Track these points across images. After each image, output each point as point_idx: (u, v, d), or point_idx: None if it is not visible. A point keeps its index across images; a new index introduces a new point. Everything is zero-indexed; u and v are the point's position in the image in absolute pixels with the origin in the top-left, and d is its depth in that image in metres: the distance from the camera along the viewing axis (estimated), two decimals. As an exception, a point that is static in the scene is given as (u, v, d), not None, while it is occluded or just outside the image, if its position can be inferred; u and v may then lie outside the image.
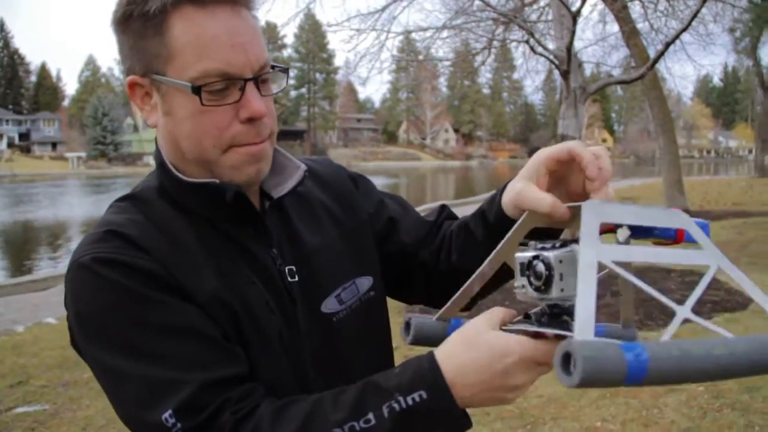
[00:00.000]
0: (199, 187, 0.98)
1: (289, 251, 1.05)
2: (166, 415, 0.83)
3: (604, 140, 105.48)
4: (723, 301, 6.61)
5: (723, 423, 3.74)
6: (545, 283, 0.80)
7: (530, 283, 0.82)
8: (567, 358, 0.63)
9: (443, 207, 1.26)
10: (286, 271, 1.03)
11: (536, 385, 4.40)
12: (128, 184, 42.35)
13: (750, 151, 76.01)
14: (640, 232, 0.82)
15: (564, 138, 7.50)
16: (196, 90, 0.91)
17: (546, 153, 0.95)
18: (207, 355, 0.89)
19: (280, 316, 1.00)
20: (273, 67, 0.98)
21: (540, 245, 0.83)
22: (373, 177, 1.35)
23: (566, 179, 0.96)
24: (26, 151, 77.22)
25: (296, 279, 1.04)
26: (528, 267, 0.82)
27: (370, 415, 0.82)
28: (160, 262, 0.91)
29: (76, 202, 28.56)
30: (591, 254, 0.70)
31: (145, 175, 1.08)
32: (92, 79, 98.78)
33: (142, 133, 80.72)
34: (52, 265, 12.71)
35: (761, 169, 29.60)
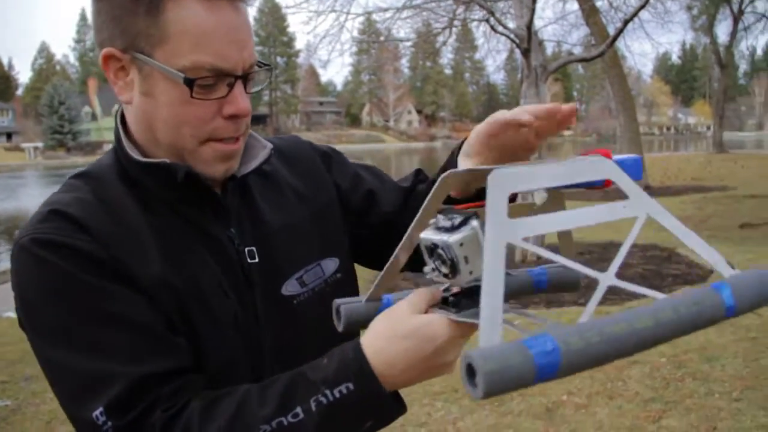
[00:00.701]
0: (152, 167, 0.95)
1: (249, 231, 1.03)
2: (97, 412, 0.82)
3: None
4: (684, 274, 6.74)
5: (685, 392, 3.83)
6: (452, 270, 0.77)
7: (438, 269, 0.79)
8: (471, 371, 0.57)
9: (419, 171, 1.24)
10: (246, 252, 1.00)
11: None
12: (88, 173, 41.56)
13: (708, 128, 77.54)
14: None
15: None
16: (189, 82, 0.88)
17: (480, 132, 0.98)
18: (142, 347, 0.86)
19: (235, 298, 0.98)
20: (260, 64, 0.97)
21: (442, 223, 0.79)
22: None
23: (512, 145, 0.97)
24: (-20, 142, 75.35)
25: (256, 260, 1.01)
26: (432, 253, 0.79)
27: (298, 410, 0.81)
28: (102, 244, 0.88)
29: (35, 194, 27.91)
30: (496, 237, 0.63)
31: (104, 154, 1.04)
32: (46, 66, 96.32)
33: (101, 121, 79.20)
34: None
35: (719, 145, 30.17)
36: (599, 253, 7.95)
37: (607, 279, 0.68)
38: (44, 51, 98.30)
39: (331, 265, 1.11)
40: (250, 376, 0.92)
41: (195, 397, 0.85)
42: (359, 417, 0.83)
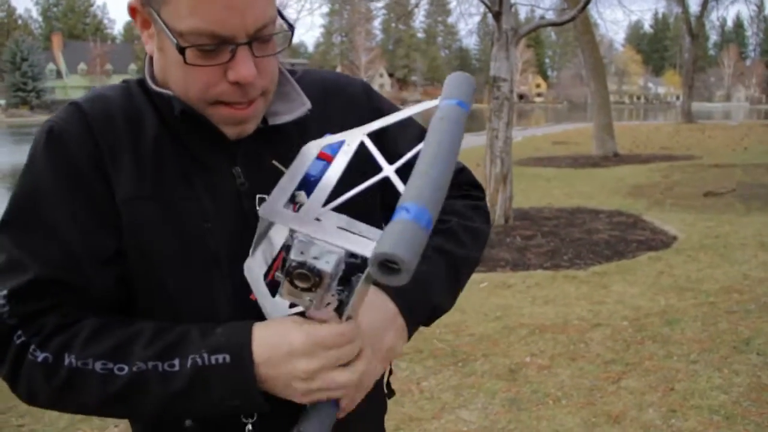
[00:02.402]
0: (159, 95, 0.95)
1: (267, 180, 0.95)
2: (1, 295, 0.87)
3: (537, 85, 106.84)
4: (648, 240, 6.84)
5: (644, 354, 3.90)
6: (319, 277, 0.78)
7: (303, 291, 0.80)
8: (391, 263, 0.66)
9: (461, 170, 1.19)
10: (257, 199, 0.96)
11: (467, 324, 4.51)
12: (52, 132, 40.58)
13: (677, 98, 78.26)
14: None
15: (495, 80, 7.50)
16: (181, 50, 0.85)
17: None
18: (66, 259, 0.89)
19: (221, 234, 0.94)
20: (281, 19, 0.93)
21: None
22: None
23: None
24: (-62, 98, 73.09)
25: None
26: (294, 285, 0.79)
27: (176, 362, 0.84)
28: (100, 145, 0.92)
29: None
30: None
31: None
32: (8, 20, 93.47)
33: (66, 79, 77.41)
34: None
35: (687, 114, 30.53)
36: (567, 219, 8.03)
37: (389, 170, 0.81)
38: (5, 4, 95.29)
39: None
40: (212, 318, 0.91)
41: (92, 317, 0.89)
42: (224, 391, 0.85)
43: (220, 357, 0.84)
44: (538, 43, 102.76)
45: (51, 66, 76.65)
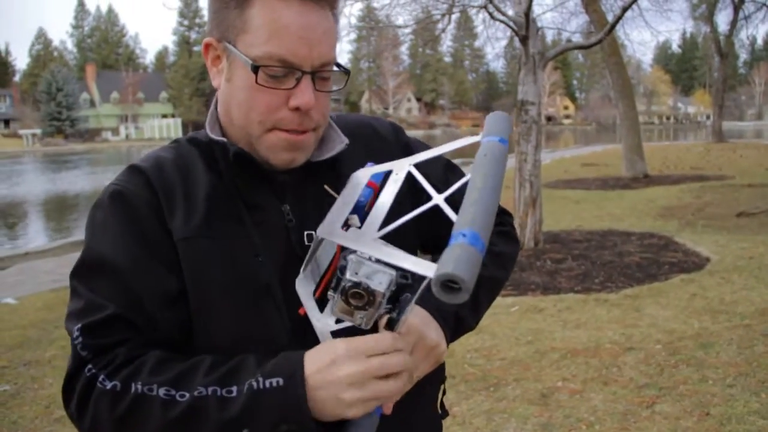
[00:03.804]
0: (214, 142, 1.06)
1: (312, 215, 1.04)
2: (76, 328, 0.97)
3: (566, 107, 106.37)
4: (680, 262, 6.76)
5: (678, 378, 3.85)
6: (371, 295, 0.85)
7: (358, 309, 0.86)
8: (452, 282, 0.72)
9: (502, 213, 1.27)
10: (305, 235, 1.04)
11: (498, 348, 4.49)
12: (86, 160, 41.48)
13: (708, 117, 77.35)
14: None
15: (523, 104, 7.52)
16: (255, 68, 0.97)
17: None
18: (134, 300, 0.97)
19: (271, 267, 1.01)
20: (338, 65, 1.04)
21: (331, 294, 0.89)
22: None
23: None
24: (-23, 129, 74.89)
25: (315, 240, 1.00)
26: (347, 302, 0.86)
27: (234, 388, 0.90)
28: (157, 194, 1.01)
29: (33, 181, 27.88)
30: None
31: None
32: (44, 52, 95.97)
33: (99, 108, 79.00)
34: (10, 246, 12.43)
35: (718, 134, 30.10)
36: (597, 241, 7.97)
37: (438, 199, 0.88)
38: (42, 37, 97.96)
39: None
40: (270, 345, 0.96)
41: (154, 352, 0.97)
42: (278, 413, 0.88)
43: (275, 380, 0.89)
44: (565, 65, 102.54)
45: (85, 95, 78.43)
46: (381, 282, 0.84)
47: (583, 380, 3.92)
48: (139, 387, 0.91)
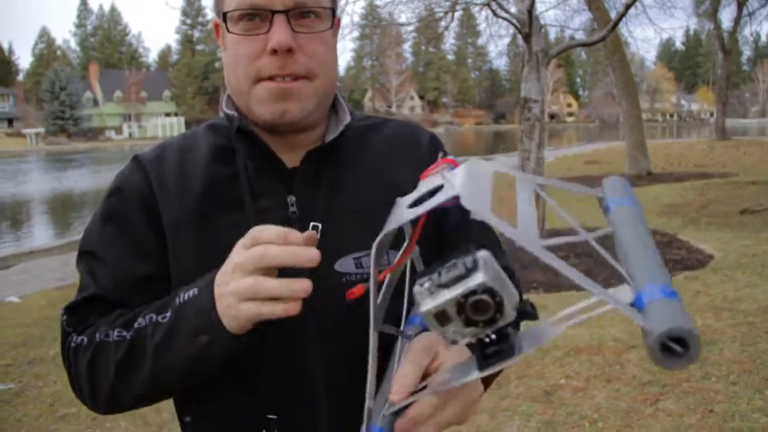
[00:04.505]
0: (228, 118, 1.07)
1: (321, 204, 1.01)
2: (63, 308, 1.04)
3: (569, 105, 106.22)
4: (684, 259, 6.76)
5: (681, 376, 3.85)
6: (498, 310, 0.63)
7: (473, 324, 0.64)
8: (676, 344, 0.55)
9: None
10: (310, 226, 0.99)
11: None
12: (91, 159, 41.45)
13: (711, 114, 77.16)
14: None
15: (526, 101, 7.51)
16: (224, 16, 0.98)
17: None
18: (114, 281, 1.02)
19: None
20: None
21: (426, 283, 0.65)
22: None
23: None
24: (-20, 128, 74.95)
25: (317, 237, 0.89)
26: (461, 309, 0.63)
27: (168, 312, 0.91)
28: (150, 180, 1.03)
29: (39, 179, 27.91)
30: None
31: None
32: (47, 51, 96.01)
33: (103, 107, 79.07)
34: (14, 244, 12.46)
35: (722, 131, 30.03)
36: (600, 239, 7.95)
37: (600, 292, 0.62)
38: (45, 36, 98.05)
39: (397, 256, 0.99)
40: (275, 348, 0.96)
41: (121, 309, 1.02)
42: (195, 323, 0.87)
43: (191, 291, 0.90)
44: (568, 62, 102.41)
45: (88, 94, 78.44)
46: (511, 300, 0.63)
47: (587, 378, 3.92)
48: (100, 336, 0.97)
